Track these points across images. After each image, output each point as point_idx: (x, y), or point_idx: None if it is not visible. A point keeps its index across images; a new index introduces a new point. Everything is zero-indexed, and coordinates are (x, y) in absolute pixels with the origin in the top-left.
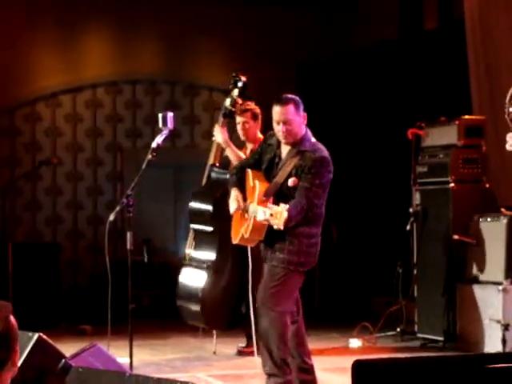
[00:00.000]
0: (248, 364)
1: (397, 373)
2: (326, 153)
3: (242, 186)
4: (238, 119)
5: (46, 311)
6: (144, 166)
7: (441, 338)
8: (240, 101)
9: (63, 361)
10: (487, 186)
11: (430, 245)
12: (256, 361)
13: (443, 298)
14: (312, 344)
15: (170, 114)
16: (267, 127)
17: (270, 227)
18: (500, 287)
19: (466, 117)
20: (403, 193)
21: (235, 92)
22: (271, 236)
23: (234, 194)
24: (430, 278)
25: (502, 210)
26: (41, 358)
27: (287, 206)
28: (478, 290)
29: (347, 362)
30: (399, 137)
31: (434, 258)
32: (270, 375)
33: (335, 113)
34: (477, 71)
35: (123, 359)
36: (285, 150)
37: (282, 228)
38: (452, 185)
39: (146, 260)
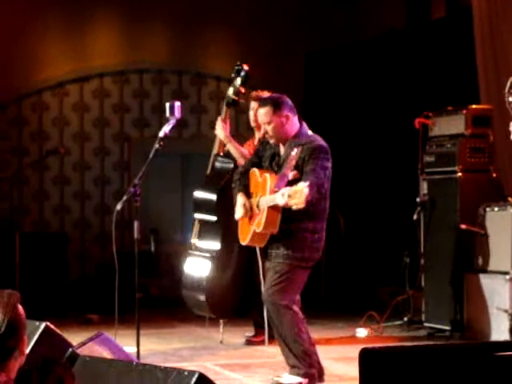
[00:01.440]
0: (255, 353)
1: (404, 361)
2: (323, 142)
3: (247, 192)
4: (253, 105)
5: (54, 301)
6: (151, 156)
7: (448, 328)
8: (243, 90)
9: (70, 350)
10: (494, 175)
11: (437, 234)
12: (265, 350)
13: (450, 288)
14: (319, 334)
15: (178, 104)
16: None
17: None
18: (507, 277)
19: (474, 106)
20: (410, 182)
21: (238, 81)
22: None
23: (241, 200)
24: (437, 267)
25: (509, 199)
26: (48, 347)
27: (307, 183)
28: (485, 279)
29: (354, 351)
30: (406, 126)
31: (442, 247)
32: (292, 366)
33: (343, 102)
34: (484, 60)
35: (130, 348)
36: (282, 146)
37: (303, 206)
38: (459, 174)
39: (153, 249)
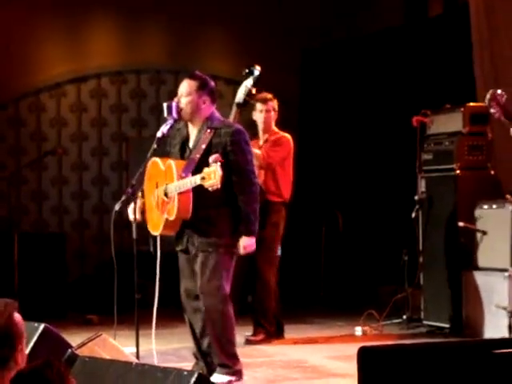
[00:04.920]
0: (254, 352)
1: (402, 359)
2: (239, 125)
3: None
4: (261, 107)
5: (53, 301)
6: (149, 156)
7: (447, 325)
8: (254, 90)
9: (69, 351)
10: (492, 172)
11: (435, 232)
12: (264, 349)
13: (449, 286)
14: (318, 332)
15: (175, 104)
16: (279, 117)
17: (194, 211)
18: (506, 274)
19: (471, 104)
20: (408, 180)
21: (250, 81)
22: (194, 221)
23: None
24: (435, 265)
25: (507, 196)
26: (47, 348)
27: (218, 164)
28: (483, 276)
29: (353, 349)
30: (404, 124)
31: (440, 245)
32: (221, 365)
33: (340, 99)
34: (481, 58)
35: (129, 349)
36: (193, 130)
37: (218, 186)
38: (457, 172)
39: (152, 250)
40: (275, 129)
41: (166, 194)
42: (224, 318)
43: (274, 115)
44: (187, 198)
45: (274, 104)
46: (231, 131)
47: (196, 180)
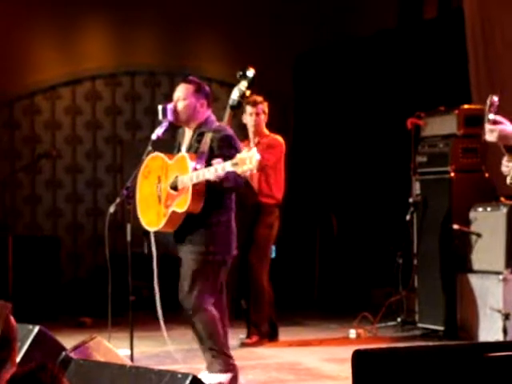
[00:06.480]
0: (249, 355)
1: (396, 362)
2: (230, 132)
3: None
4: (251, 110)
5: (47, 304)
6: (144, 158)
7: (441, 328)
8: (248, 92)
9: (64, 353)
10: (487, 175)
11: (430, 235)
12: (258, 351)
13: (443, 288)
14: (312, 335)
15: (170, 106)
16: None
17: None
18: (500, 277)
19: (466, 106)
20: (403, 183)
21: (244, 83)
22: (179, 228)
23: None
24: (430, 268)
25: (502, 199)
26: (41, 350)
27: (255, 149)
28: (478, 279)
29: (347, 352)
30: (399, 127)
31: (434, 248)
32: (210, 363)
33: (334, 102)
34: (476, 60)
35: (124, 351)
36: (188, 133)
37: (255, 171)
38: (452, 174)
39: (145, 252)
40: (266, 131)
41: (174, 187)
42: (206, 327)
43: (264, 118)
44: (201, 190)
45: (264, 106)
46: (220, 137)
47: (225, 167)
